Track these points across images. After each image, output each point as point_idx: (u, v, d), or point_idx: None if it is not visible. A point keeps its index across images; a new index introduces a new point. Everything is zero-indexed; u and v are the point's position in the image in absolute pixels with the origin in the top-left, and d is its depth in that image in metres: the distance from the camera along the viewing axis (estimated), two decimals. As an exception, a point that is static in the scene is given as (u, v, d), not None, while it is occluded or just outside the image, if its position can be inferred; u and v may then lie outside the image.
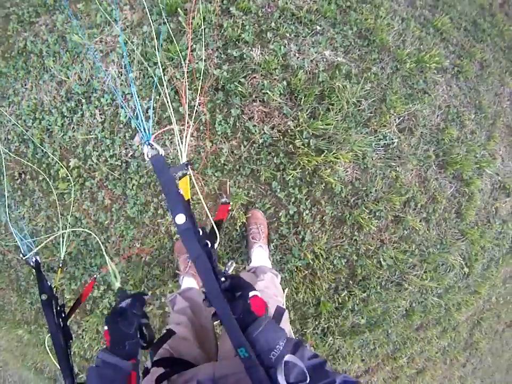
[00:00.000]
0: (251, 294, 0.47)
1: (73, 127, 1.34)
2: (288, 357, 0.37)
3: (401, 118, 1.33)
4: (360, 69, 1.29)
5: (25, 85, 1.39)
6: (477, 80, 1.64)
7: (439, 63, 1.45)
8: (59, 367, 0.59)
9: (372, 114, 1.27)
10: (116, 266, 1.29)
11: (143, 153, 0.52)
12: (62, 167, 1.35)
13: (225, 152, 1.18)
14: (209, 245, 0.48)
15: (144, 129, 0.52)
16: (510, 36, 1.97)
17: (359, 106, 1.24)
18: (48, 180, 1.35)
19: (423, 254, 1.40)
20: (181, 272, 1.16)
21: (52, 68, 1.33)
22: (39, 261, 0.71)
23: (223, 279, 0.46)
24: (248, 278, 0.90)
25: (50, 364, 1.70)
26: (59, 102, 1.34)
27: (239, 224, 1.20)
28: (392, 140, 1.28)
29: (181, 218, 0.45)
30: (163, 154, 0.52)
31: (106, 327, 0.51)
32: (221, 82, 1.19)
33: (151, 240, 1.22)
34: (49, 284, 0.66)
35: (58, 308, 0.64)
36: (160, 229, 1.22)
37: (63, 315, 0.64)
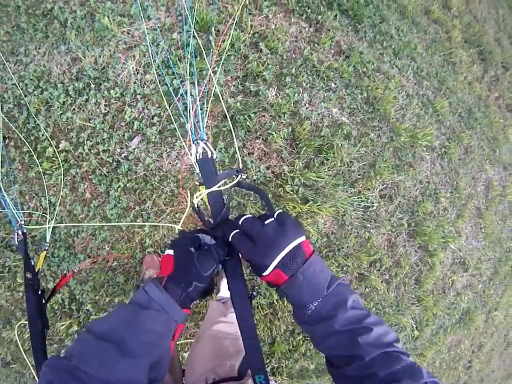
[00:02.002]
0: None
1: (74, 109, 1.30)
2: None
3: (385, 185, 1.44)
4: (360, 132, 1.40)
5: (38, 48, 1.32)
6: (459, 163, 1.82)
7: (430, 142, 1.60)
8: (32, 352, 0.54)
9: (360, 177, 1.36)
10: (80, 263, 1.25)
11: (191, 153, 0.42)
12: (51, 145, 1.30)
13: (218, 179, 1.21)
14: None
15: (195, 127, 0.44)
16: (497, 127, 2.21)
17: (351, 166, 1.34)
18: (34, 154, 1.30)
19: (379, 312, 1.48)
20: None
21: (71, 41, 1.29)
22: (26, 232, 0.65)
23: None
24: (217, 308, 0.90)
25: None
26: (67, 79, 1.30)
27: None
28: (373, 203, 1.38)
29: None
30: (214, 156, 0.43)
31: (172, 252, 0.37)
32: (231, 112, 1.23)
33: (123, 246, 1.20)
34: (32, 263, 0.63)
35: (40, 293, 0.61)
36: (134, 238, 1.21)
37: (43, 301, 0.61)
